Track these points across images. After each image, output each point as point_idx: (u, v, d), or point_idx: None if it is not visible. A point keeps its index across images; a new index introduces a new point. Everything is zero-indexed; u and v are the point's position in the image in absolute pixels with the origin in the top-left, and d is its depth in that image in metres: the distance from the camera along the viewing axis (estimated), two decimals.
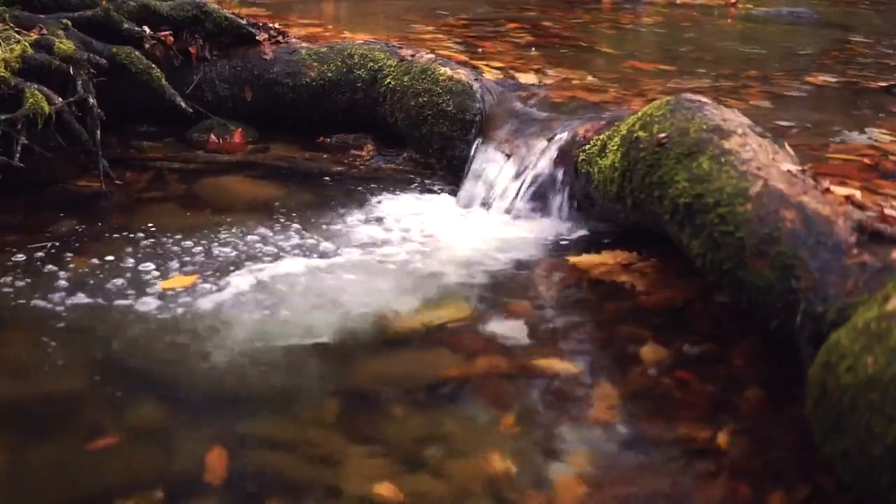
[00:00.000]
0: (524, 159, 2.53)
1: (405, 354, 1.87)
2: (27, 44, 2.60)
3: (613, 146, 2.18)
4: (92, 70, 2.68)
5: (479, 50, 3.62)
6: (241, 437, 1.58)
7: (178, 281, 2.08)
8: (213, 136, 3.03)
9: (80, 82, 2.62)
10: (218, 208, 2.51)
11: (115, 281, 2.07)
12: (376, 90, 2.99)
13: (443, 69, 2.88)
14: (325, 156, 2.98)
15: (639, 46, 4.32)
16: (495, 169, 2.58)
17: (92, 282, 2.06)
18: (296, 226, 2.41)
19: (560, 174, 2.45)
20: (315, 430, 1.61)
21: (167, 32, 3.00)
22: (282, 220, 2.44)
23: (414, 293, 2.09)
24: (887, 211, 1.70)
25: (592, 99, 2.82)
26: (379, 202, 2.61)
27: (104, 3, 2.92)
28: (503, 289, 2.14)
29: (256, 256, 2.22)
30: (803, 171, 1.82)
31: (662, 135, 1.99)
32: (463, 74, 2.87)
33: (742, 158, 1.83)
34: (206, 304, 1.98)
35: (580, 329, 1.98)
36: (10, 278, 2.07)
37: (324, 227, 2.42)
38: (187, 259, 2.19)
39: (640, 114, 2.13)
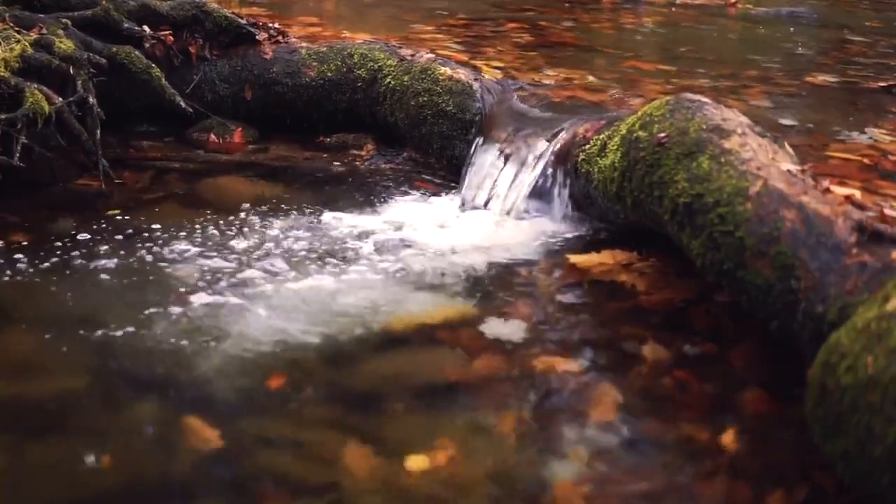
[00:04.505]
0: (524, 159, 2.53)
1: (405, 354, 1.87)
2: (27, 43, 2.59)
3: (613, 146, 2.18)
4: (92, 70, 2.68)
5: (479, 50, 3.62)
6: (241, 436, 1.58)
7: None
8: (213, 136, 3.03)
9: (79, 82, 2.61)
10: (218, 208, 2.51)
11: (115, 280, 2.07)
12: (376, 90, 2.99)
13: (443, 69, 2.88)
14: (324, 155, 2.98)
15: (639, 46, 4.32)
16: (495, 169, 2.58)
17: (92, 281, 2.06)
18: (295, 225, 2.41)
19: (560, 174, 2.45)
20: (315, 430, 1.61)
21: (167, 32, 2.99)
22: (281, 220, 2.44)
23: (414, 293, 2.09)
24: (887, 211, 1.70)
25: (592, 99, 2.82)
26: (379, 202, 2.61)
27: (104, 2, 2.91)
28: (503, 289, 2.14)
29: (256, 256, 2.22)
30: (803, 171, 1.82)
31: (662, 134, 1.99)
32: (463, 74, 2.87)
33: (742, 158, 1.83)
34: (205, 303, 1.98)
35: (580, 329, 1.98)
36: (10, 278, 2.07)
37: (323, 226, 2.42)
38: (186, 259, 2.19)
39: (640, 114, 2.13)
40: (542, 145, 2.53)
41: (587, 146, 2.36)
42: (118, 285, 2.05)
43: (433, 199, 2.65)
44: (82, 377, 1.73)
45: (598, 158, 2.26)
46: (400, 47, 3.09)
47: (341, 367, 1.81)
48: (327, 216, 2.48)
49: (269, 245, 2.29)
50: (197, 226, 2.37)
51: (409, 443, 1.56)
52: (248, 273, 2.13)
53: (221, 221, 2.41)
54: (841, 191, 1.77)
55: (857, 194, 1.77)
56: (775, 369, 1.76)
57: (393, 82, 2.94)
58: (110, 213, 2.45)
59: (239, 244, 2.28)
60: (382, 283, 2.12)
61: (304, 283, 2.10)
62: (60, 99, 2.54)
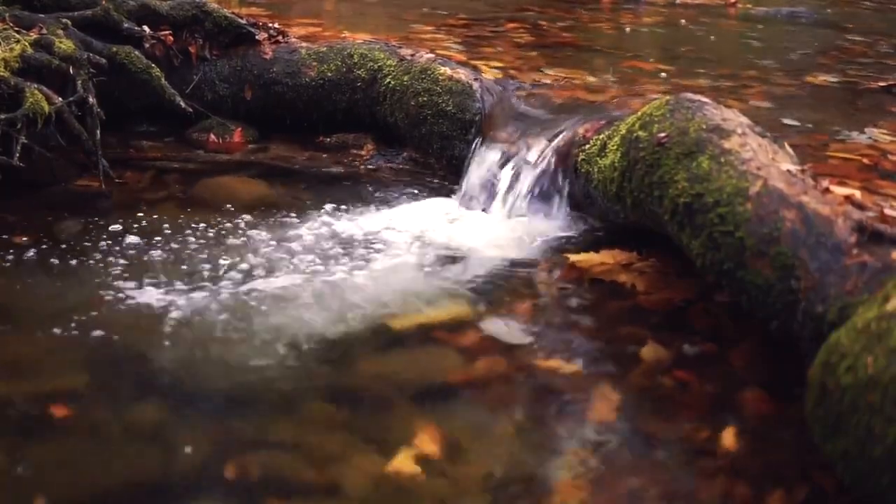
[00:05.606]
0: (524, 159, 2.53)
1: (405, 354, 1.87)
2: (27, 43, 2.59)
3: (613, 146, 2.18)
4: (92, 70, 2.67)
5: (479, 50, 3.62)
6: (241, 436, 1.58)
7: None
8: (212, 136, 3.03)
9: (79, 82, 2.61)
10: (218, 208, 2.51)
11: (114, 281, 2.06)
12: (376, 90, 2.99)
13: (443, 69, 2.88)
14: (324, 155, 2.98)
15: (639, 46, 4.32)
16: (495, 169, 2.58)
17: (92, 282, 2.06)
18: (294, 225, 2.41)
19: (560, 174, 2.45)
20: (315, 430, 1.61)
21: (167, 32, 2.99)
22: (281, 220, 2.44)
23: (414, 293, 2.09)
24: (887, 211, 1.70)
25: (592, 99, 2.82)
26: (378, 202, 2.61)
27: (104, 2, 2.91)
28: (503, 288, 2.14)
29: (255, 256, 2.22)
30: (803, 171, 1.82)
31: (662, 134, 1.98)
32: (463, 74, 2.87)
33: (742, 158, 1.83)
34: (206, 304, 1.98)
35: (580, 329, 1.98)
36: (10, 278, 2.07)
37: (322, 226, 2.42)
38: (187, 259, 2.19)
39: (639, 113, 2.13)
40: (541, 145, 2.53)
41: (587, 146, 2.36)
42: (118, 286, 2.04)
43: (433, 199, 2.65)
44: (82, 377, 1.73)
45: (598, 158, 2.26)
46: (400, 47, 3.09)
47: (341, 366, 1.81)
48: (327, 216, 2.48)
49: (269, 245, 2.29)
50: (197, 226, 2.37)
51: (408, 443, 1.56)
52: (248, 273, 2.13)
53: (221, 221, 2.41)
54: (841, 191, 1.77)
55: (857, 194, 1.77)
56: (775, 369, 1.76)
57: (393, 82, 2.94)
58: (110, 213, 2.45)
59: (238, 244, 2.28)
60: (382, 283, 2.12)
61: (302, 282, 2.10)
62: (60, 99, 2.53)
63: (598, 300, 2.09)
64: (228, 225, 2.39)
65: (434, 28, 4.10)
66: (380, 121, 3.02)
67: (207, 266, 2.15)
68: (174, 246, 2.26)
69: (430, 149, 2.86)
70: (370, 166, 2.91)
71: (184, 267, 2.15)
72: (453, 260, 2.26)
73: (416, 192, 2.70)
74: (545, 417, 1.66)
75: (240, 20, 3.10)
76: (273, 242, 2.30)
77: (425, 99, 2.84)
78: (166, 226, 2.36)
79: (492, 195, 2.54)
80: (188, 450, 1.53)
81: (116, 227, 2.35)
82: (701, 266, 1.82)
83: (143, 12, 2.98)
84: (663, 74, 3.42)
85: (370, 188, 2.72)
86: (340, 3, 5.11)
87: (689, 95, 2.10)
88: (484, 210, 2.54)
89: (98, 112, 2.63)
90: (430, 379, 1.79)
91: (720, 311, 1.96)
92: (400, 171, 2.87)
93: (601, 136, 2.31)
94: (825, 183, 1.77)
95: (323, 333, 1.89)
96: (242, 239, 2.32)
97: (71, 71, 2.61)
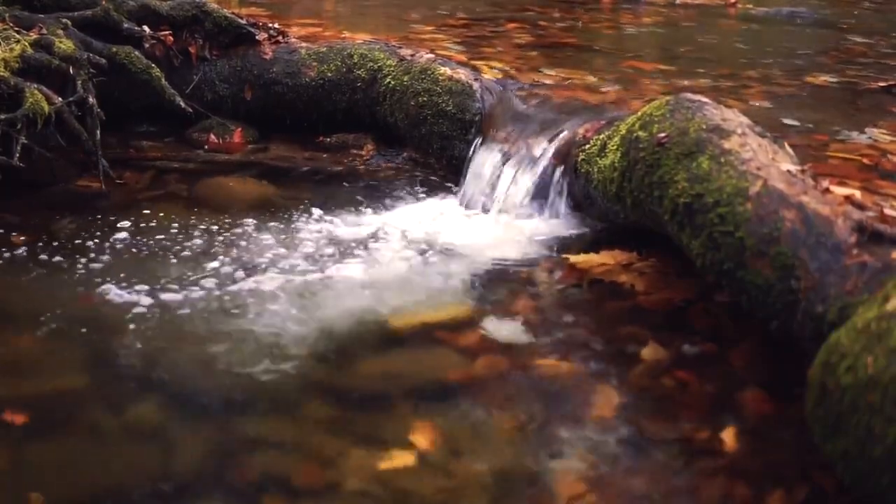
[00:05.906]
0: (524, 159, 2.53)
1: (405, 354, 1.87)
2: (27, 43, 2.59)
3: (613, 146, 2.18)
4: (92, 70, 2.68)
5: (479, 50, 3.62)
6: (241, 436, 1.58)
7: None
8: (212, 136, 3.03)
9: (79, 82, 2.61)
10: (218, 208, 2.51)
11: (114, 281, 2.06)
12: (376, 90, 2.99)
13: (443, 69, 2.88)
14: (324, 155, 2.98)
15: (639, 46, 4.32)
16: (495, 169, 2.58)
17: (91, 281, 2.06)
18: (295, 226, 2.41)
19: (560, 174, 2.45)
20: (315, 430, 1.61)
21: (167, 32, 2.99)
22: (281, 220, 2.44)
23: (414, 293, 2.09)
24: (887, 211, 1.70)
25: (592, 99, 2.82)
26: (378, 202, 2.61)
27: (104, 2, 2.91)
28: (503, 289, 2.14)
29: (256, 256, 2.22)
30: (803, 171, 1.82)
31: (662, 134, 1.98)
32: (463, 74, 2.87)
33: (742, 158, 1.83)
34: (206, 303, 1.98)
35: (580, 329, 1.98)
36: (10, 278, 2.07)
37: (323, 226, 2.42)
38: (187, 258, 2.19)
39: (639, 114, 2.13)
40: (541, 145, 2.53)
41: (587, 146, 2.36)
42: (118, 285, 2.04)
43: (433, 199, 2.65)
44: (82, 377, 1.73)
45: (597, 158, 2.26)
46: (400, 47, 3.09)
47: (341, 366, 1.81)
48: (327, 216, 2.48)
49: (269, 245, 2.29)
50: (197, 226, 2.37)
51: (408, 442, 1.56)
52: (247, 272, 2.13)
53: (221, 221, 2.41)
54: (841, 191, 1.77)
55: (857, 194, 1.77)
56: (775, 369, 1.76)
57: (393, 82, 2.94)
58: (110, 213, 2.45)
59: (238, 243, 2.28)
60: (382, 283, 2.12)
61: (303, 282, 2.10)
62: (60, 99, 2.53)
63: (597, 300, 2.09)
64: (229, 225, 2.39)
65: (434, 28, 4.10)
66: (380, 121, 3.02)
67: (208, 266, 2.16)
68: (174, 246, 2.26)
69: (430, 149, 2.86)
70: (370, 166, 2.91)
71: (184, 267, 2.15)
72: (453, 260, 2.25)
73: (416, 192, 2.70)
74: (545, 417, 1.66)
75: (240, 20, 3.10)
76: (273, 242, 2.30)
77: (425, 99, 2.84)
78: (166, 226, 2.36)
79: (492, 195, 2.54)
80: (188, 450, 1.53)
81: (116, 227, 2.35)
82: (701, 266, 1.82)
83: (143, 12, 2.98)
84: (662, 75, 3.42)
85: (370, 188, 2.72)
86: (340, 3, 5.11)
87: (689, 95, 2.10)
88: (484, 210, 2.54)
89: (98, 112, 2.63)
90: (429, 378, 1.79)
91: (720, 311, 1.96)
92: (400, 171, 2.87)
93: (601, 137, 2.31)
94: (825, 183, 1.77)
95: (322, 333, 1.89)
96: (243, 239, 2.32)
97: (71, 71, 2.61)
